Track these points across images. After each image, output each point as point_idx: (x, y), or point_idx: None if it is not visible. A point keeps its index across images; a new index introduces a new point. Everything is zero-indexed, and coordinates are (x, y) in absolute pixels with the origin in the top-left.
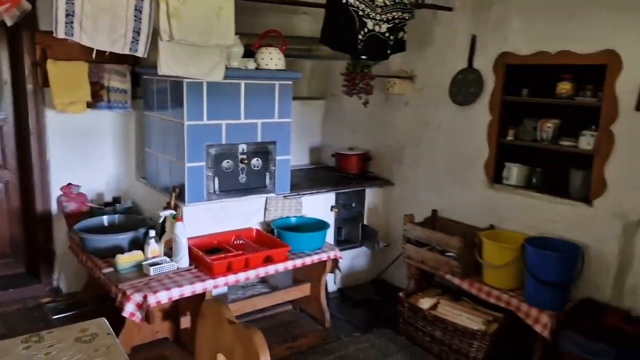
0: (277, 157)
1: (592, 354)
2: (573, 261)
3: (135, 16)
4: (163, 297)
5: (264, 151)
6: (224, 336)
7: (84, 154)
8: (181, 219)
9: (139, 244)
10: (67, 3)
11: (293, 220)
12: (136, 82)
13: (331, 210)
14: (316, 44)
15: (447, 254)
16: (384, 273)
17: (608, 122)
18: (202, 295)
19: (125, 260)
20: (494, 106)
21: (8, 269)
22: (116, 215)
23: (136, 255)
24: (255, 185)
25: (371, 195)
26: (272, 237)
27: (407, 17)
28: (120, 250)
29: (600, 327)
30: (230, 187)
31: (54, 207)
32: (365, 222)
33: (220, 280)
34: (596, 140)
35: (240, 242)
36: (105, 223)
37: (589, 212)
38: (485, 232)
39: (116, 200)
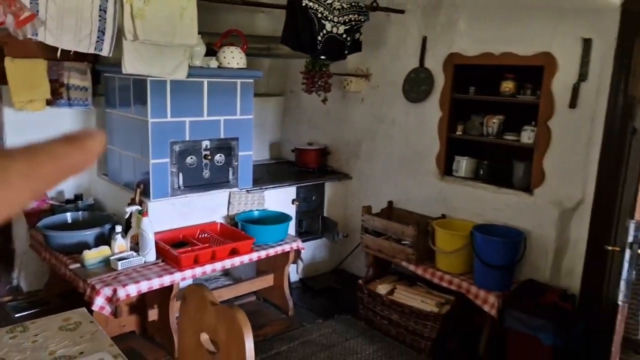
0: (240, 153)
1: (533, 329)
2: (516, 246)
3: (100, 16)
4: (132, 290)
5: (226, 147)
6: (207, 317)
7: None
8: (147, 214)
9: (104, 240)
10: (31, 3)
11: (256, 213)
12: (96, 79)
13: (292, 203)
14: (275, 42)
15: (403, 242)
16: (343, 263)
17: (545, 119)
18: (169, 288)
19: (93, 256)
20: (444, 103)
21: None
22: (80, 212)
23: (103, 251)
24: (218, 180)
25: (330, 188)
26: (237, 230)
27: (362, 20)
28: (86, 246)
29: (540, 305)
30: (195, 183)
31: None
32: (325, 214)
33: (188, 273)
34: (535, 135)
35: (205, 235)
36: (69, 220)
37: (530, 200)
38: (437, 221)
39: (78, 197)
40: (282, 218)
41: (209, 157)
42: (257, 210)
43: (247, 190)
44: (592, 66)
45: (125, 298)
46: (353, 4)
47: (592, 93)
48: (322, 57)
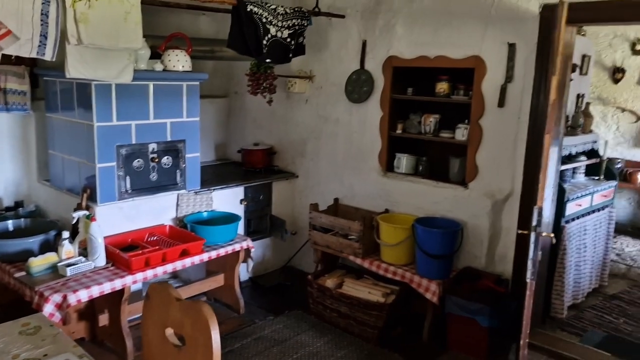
0: (187, 155)
1: (471, 312)
2: (454, 236)
3: (42, 20)
4: (83, 295)
5: (174, 149)
6: (172, 312)
7: None
8: (96, 219)
9: (49, 247)
10: None
11: (205, 214)
12: (35, 83)
13: (240, 203)
14: (219, 45)
15: (350, 237)
16: (291, 260)
17: (477, 117)
18: (120, 292)
19: (39, 263)
20: (384, 103)
21: None
22: (22, 220)
23: (50, 257)
24: (166, 182)
25: (277, 187)
26: (186, 232)
27: (305, 24)
28: (31, 253)
29: (477, 290)
30: (142, 186)
31: None
32: (272, 213)
33: (139, 276)
34: (468, 133)
35: (154, 238)
36: (11, 228)
37: (465, 193)
38: (381, 216)
39: (18, 204)
40: (231, 218)
41: (156, 160)
42: (205, 211)
43: (195, 192)
44: (517, 68)
45: (76, 303)
46: (296, 9)
47: (517, 93)
48: (268, 60)
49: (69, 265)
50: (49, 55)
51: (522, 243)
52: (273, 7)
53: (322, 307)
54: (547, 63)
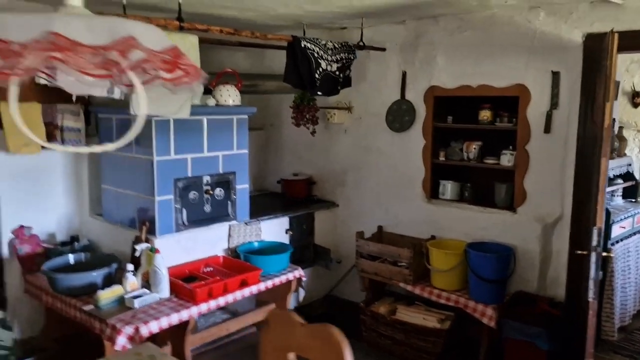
0: (237, 186)
1: (530, 336)
2: (507, 260)
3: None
4: (154, 327)
5: (225, 181)
6: (296, 337)
7: (34, 194)
8: (159, 251)
9: (111, 280)
10: None
11: (256, 244)
12: (86, 120)
13: (286, 233)
14: (261, 79)
15: (400, 264)
16: (334, 289)
17: (523, 143)
18: (184, 323)
19: (107, 296)
20: (427, 132)
21: None
22: (82, 254)
23: (117, 290)
24: (219, 214)
25: (319, 216)
26: (240, 262)
27: (352, 57)
28: (95, 287)
29: (533, 314)
30: (197, 217)
31: (4, 251)
32: (315, 242)
33: (204, 307)
34: (515, 158)
35: (210, 269)
36: (72, 261)
37: (514, 218)
38: (430, 242)
39: (74, 238)
40: (282, 248)
41: (210, 192)
42: (256, 241)
43: (245, 223)
44: (562, 96)
45: (148, 335)
46: (343, 44)
47: (563, 119)
48: (319, 93)
49: (135, 297)
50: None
51: (575, 265)
52: (323, 42)
53: (376, 334)
54: (593, 90)
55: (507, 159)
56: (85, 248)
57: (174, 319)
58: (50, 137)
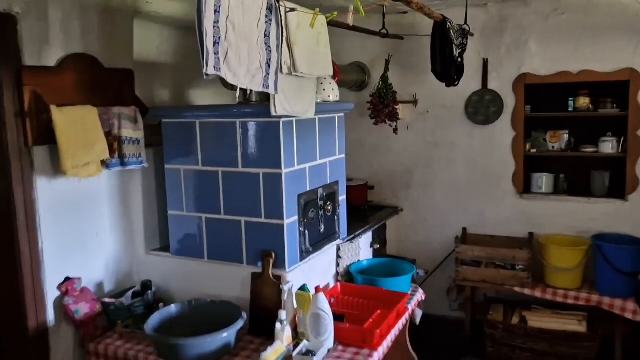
0: (340, 198)
1: None
2: None
3: (265, 43)
4: None
5: (332, 193)
6: None
7: (77, 232)
8: (321, 289)
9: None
10: (214, 27)
11: (365, 263)
12: None
13: (371, 247)
14: None
15: (517, 267)
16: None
17: (634, 129)
18: None
19: (272, 358)
20: (518, 123)
21: None
22: (185, 303)
23: (279, 349)
24: (328, 232)
25: (389, 225)
26: (363, 288)
27: (466, 43)
28: (228, 348)
29: None
30: (315, 240)
31: (50, 316)
32: (388, 253)
33: (380, 351)
34: (625, 145)
35: (331, 300)
36: (174, 314)
37: (625, 206)
38: (545, 239)
39: (146, 286)
40: (394, 265)
41: (327, 208)
42: (365, 260)
43: (350, 240)
44: None
45: None
46: (461, 26)
47: None
48: (457, 84)
49: (308, 353)
50: (272, 87)
51: None
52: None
53: (509, 348)
54: None
55: (609, 146)
56: (158, 298)
57: None
58: (110, 152)
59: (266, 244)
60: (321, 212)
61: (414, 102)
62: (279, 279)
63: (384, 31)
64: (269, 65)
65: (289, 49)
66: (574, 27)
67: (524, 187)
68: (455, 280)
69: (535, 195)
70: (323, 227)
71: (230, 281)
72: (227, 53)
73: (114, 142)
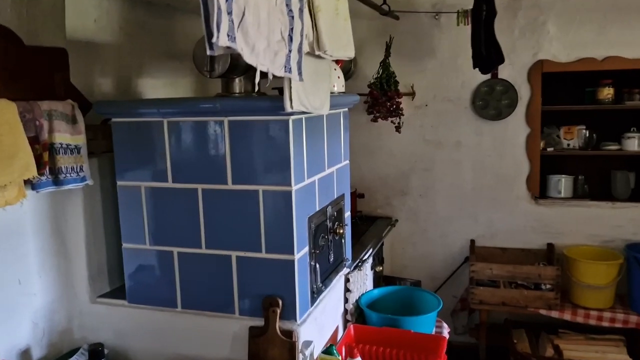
0: (346, 214)
1: None
2: None
3: (287, 6)
4: None
5: (339, 210)
6: None
7: None
8: (359, 353)
9: None
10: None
11: (376, 292)
12: None
13: (372, 269)
14: None
15: (542, 286)
16: None
17: None
18: None
19: None
20: (533, 117)
21: None
22: None
23: None
24: (337, 261)
25: (386, 241)
26: (386, 331)
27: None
28: None
29: None
30: (325, 273)
31: None
32: (384, 274)
33: None
34: None
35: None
36: None
37: None
38: (570, 251)
39: (97, 354)
40: (418, 296)
41: (335, 231)
42: (375, 289)
43: (358, 267)
44: None
45: None
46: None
47: None
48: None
49: None
50: (295, 70)
51: None
52: None
53: None
54: None
55: (635, 143)
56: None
57: None
58: (38, 167)
59: (268, 288)
60: (330, 237)
61: (412, 95)
62: (289, 334)
63: (385, 7)
64: (292, 39)
65: (311, 17)
66: (599, 7)
67: (540, 191)
68: (465, 301)
69: (553, 201)
70: (332, 255)
71: (216, 338)
72: (243, 14)
73: (44, 153)
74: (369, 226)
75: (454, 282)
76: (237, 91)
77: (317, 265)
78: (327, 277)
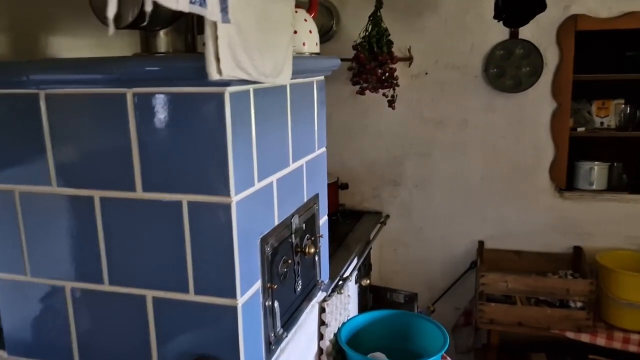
0: (320, 221)
1: None
2: None
3: None
4: None
5: (311, 218)
6: None
7: None
8: None
9: None
10: None
11: (360, 319)
12: None
13: (356, 283)
14: None
15: (571, 304)
16: None
17: None
18: None
19: None
20: (562, 89)
21: None
22: None
23: None
24: (307, 287)
25: (374, 243)
26: None
27: None
28: None
29: None
30: (289, 310)
31: None
32: (373, 284)
33: None
34: None
35: None
36: None
37: None
38: (603, 257)
39: None
40: (415, 324)
41: (304, 249)
42: (359, 315)
43: (337, 289)
44: None
45: None
46: None
47: None
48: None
49: None
50: (215, 8)
51: None
52: None
53: None
54: None
55: None
56: None
57: None
58: None
59: (200, 344)
60: (297, 258)
61: (408, 60)
62: None
63: None
64: None
65: None
66: None
67: (567, 182)
68: (470, 314)
69: (582, 194)
70: (300, 282)
71: None
72: None
73: None
74: (354, 224)
75: (456, 291)
76: (162, 50)
77: (276, 305)
78: (292, 313)
